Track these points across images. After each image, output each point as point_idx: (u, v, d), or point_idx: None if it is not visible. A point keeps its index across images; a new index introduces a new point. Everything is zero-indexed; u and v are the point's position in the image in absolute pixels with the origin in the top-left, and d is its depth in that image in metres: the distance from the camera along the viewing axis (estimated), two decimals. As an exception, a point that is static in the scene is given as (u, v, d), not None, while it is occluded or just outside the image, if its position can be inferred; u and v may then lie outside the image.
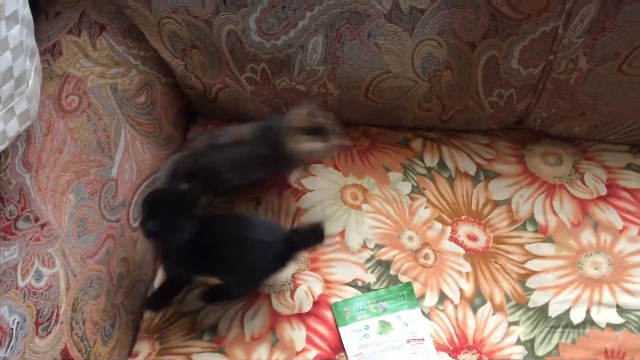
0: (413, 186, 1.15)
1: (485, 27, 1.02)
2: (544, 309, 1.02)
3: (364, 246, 1.07)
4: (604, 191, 1.14)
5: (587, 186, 1.14)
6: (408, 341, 0.97)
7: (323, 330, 0.99)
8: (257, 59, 1.08)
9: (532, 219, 1.11)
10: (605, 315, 1.01)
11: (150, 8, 1.04)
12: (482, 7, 1.00)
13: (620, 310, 1.01)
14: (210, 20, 1.04)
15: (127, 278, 0.97)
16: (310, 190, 1.14)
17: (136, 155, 1.03)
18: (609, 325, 1.00)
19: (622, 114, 1.11)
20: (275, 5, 1.02)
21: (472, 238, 1.10)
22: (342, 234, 1.08)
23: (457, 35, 1.04)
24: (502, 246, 1.09)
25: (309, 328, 0.99)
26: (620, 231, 1.09)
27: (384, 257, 1.06)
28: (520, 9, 0.99)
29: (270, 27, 1.04)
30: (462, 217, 1.12)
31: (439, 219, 1.11)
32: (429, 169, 1.17)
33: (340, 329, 0.98)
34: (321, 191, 1.14)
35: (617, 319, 1.00)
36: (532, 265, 1.06)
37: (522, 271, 1.06)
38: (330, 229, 1.08)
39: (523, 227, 1.10)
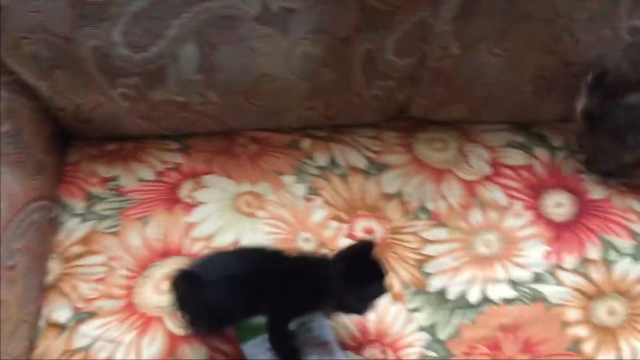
0: (307, 187, 1.14)
1: (357, 22, 1.02)
2: (442, 292, 1.04)
3: (258, 254, 1.06)
4: (488, 171, 1.17)
5: (472, 168, 1.18)
6: (313, 347, 0.96)
7: (226, 347, 0.96)
8: (128, 73, 1.03)
9: (423, 207, 1.13)
10: (499, 291, 1.04)
11: (3, 29, 0.96)
12: (352, 3, 0.99)
13: (513, 284, 1.05)
14: (71, 36, 0.98)
15: (7, 322, 0.90)
16: (202, 203, 1.11)
17: (5, 188, 0.96)
18: (504, 300, 1.03)
19: (496, 95, 1.15)
20: (139, 16, 0.97)
21: (369, 232, 1.10)
22: (236, 244, 1.06)
23: (330, 32, 1.03)
24: (399, 236, 1.10)
25: (210, 347, 0.96)
26: (506, 208, 1.13)
27: (282, 264, 1.05)
28: (390, 2, 1.00)
29: (138, 39, 0.99)
30: (359, 213, 1.12)
31: (336, 218, 1.11)
32: (321, 168, 1.16)
33: (242, 345, 0.96)
34: (213, 202, 1.11)
35: (511, 293, 1.04)
36: (428, 250, 1.08)
37: (420, 257, 1.08)
38: (224, 239, 1.06)
39: (416, 216, 1.12)
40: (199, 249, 1.05)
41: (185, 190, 1.11)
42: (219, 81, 1.06)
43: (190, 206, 1.10)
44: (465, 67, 1.10)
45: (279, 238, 1.07)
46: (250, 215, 1.09)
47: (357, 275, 0.86)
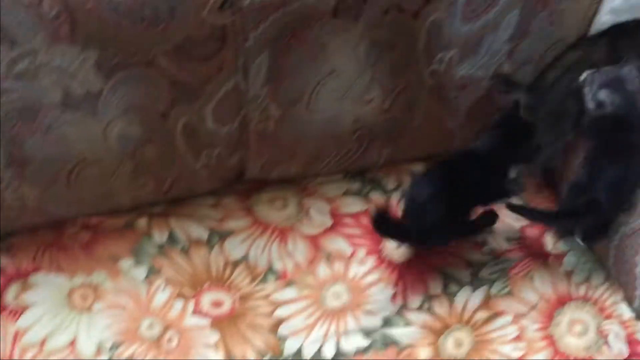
0: (148, 268, 1.09)
1: (170, 96, 1.02)
2: (298, 353, 1.03)
3: (100, 350, 0.99)
4: (329, 222, 1.19)
5: (314, 221, 1.18)
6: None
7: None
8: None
9: (271, 269, 1.12)
10: (353, 342, 1.04)
11: None
12: (160, 79, 0.98)
13: (365, 332, 1.05)
14: None
15: None
16: (31, 305, 1.02)
17: None
18: (358, 350, 1.03)
19: (325, 147, 1.18)
20: None
21: (217, 304, 1.07)
22: (72, 344, 0.99)
23: (145, 109, 1.02)
24: (249, 303, 1.08)
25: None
26: (350, 256, 1.15)
27: (123, 357, 0.98)
28: (198, 73, 1.00)
29: None
30: (205, 286, 1.09)
31: (180, 295, 1.07)
32: (160, 247, 1.12)
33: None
34: (44, 302, 1.03)
35: (364, 342, 1.04)
36: (280, 312, 1.07)
37: (273, 321, 1.06)
38: (58, 342, 0.98)
39: (265, 279, 1.11)
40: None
41: (10, 295, 1.03)
42: (32, 173, 1.01)
43: (18, 311, 1.01)
44: (288, 125, 1.12)
45: (121, 328, 1.01)
46: (87, 309, 1.03)
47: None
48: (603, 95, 0.95)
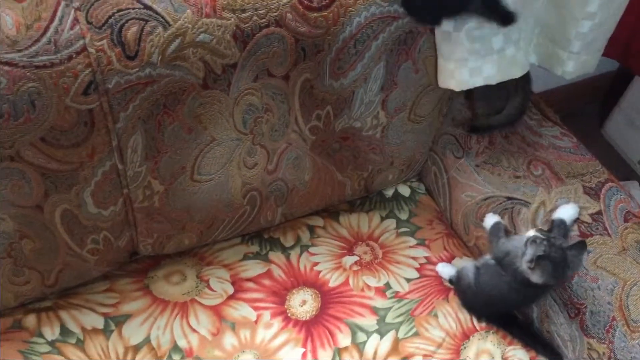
0: (41, 369, 1.03)
1: (43, 187, 0.97)
2: None
3: None
4: (231, 289, 1.17)
5: (215, 291, 1.16)
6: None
7: None
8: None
9: (175, 347, 1.08)
10: (268, 411, 1.03)
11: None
12: (28, 172, 0.94)
13: (278, 398, 1.04)
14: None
15: None
16: None
17: None
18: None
19: (217, 214, 1.16)
20: None
21: (121, 396, 1.03)
22: None
23: (16, 204, 0.96)
24: (154, 388, 1.04)
25: None
26: (256, 321, 1.13)
27: None
28: (69, 160, 0.96)
29: None
30: (105, 378, 1.04)
31: (78, 392, 1.01)
32: (52, 343, 1.06)
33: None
34: None
35: (278, 410, 1.03)
36: (191, 394, 1.04)
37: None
38: None
39: (170, 359, 1.07)
40: None
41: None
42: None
43: None
44: (175, 198, 1.10)
45: None
46: None
47: None
48: (540, 271, 1.01)
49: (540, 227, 1.12)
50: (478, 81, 1.12)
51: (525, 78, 1.19)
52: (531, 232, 1.06)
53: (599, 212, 1.12)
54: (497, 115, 1.25)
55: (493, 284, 1.12)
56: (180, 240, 1.18)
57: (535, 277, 1.02)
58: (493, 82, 1.13)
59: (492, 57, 1.10)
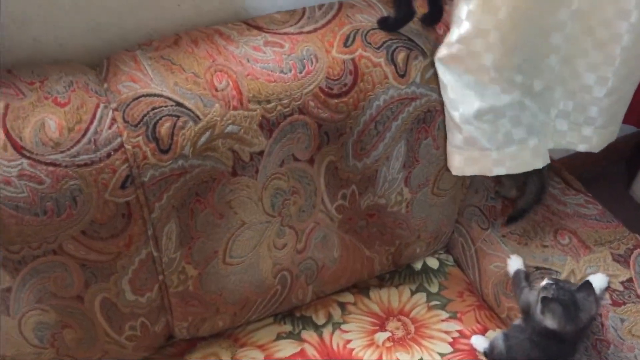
0: None
1: (83, 278, 1.01)
2: None
3: None
4: (265, 371, 1.19)
5: (250, 372, 1.18)
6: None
7: None
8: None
9: None
10: None
11: None
12: (69, 264, 0.99)
13: None
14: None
15: None
16: None
17: None
18: None
19: (249, 295, 1.19)
20: None
21: None
22: None
23: (58, 296, 1.01)
24: None
25: None
26: (291, 402, 1.14)
27: None
28: (108, 250, 1.01)
29: None
30: None
31: None
32: None
33: None
34: None
35: None
36: None
37: None
38: None
39: None
40: None
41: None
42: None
43: None
44: (208, 281, 1.13)
45: None
46: None
47: None
48: (551, 314, 1.05)
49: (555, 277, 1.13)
50: (501, 171, 1.16)
51: None
52: (544, 281, 1.08)
53: (630, 280, 1.11)
54: (523, 197, 1.27)
55: (521, 347, 1.12)
56: (214, 322, 1.20)
57: (549, 322, 1.04)
58: (515, 172, 1.17)
59: (511, 149, 1.15)
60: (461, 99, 1.10)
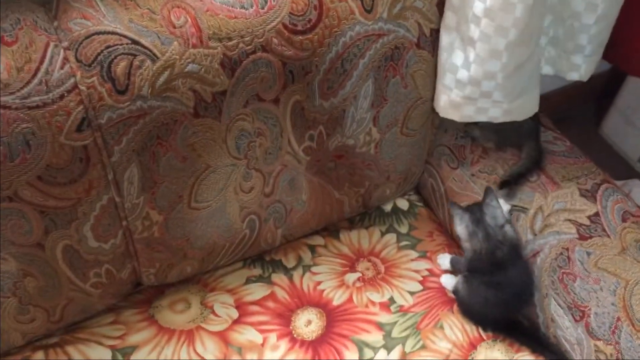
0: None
1: (42, 225, 0.98)
2: None
3: None
4: (236, 314, 1.17)
5: (220, 316, 1.17)
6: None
7: None
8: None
9: (183, 375, 1.09)
10: None
11: None
12: (26, 211, 0.95)
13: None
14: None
15: None
16: None
17: None
18: None
19: (216, 239, 1.17)
20: None
21: None
22: None
23: (17, 243, 0.97)
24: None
25: None
26: (262, 344, 1.13)
27: None
28: (67, 196, 0.98)
29: None
30: (115, 410, 1.04)
31: None
32: (59, 379, 1.07)
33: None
34: None
35: None
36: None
37: None
38: None
39: (177, 387, 1.08)
40: None
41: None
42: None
43: None
44: (174, 227, 1.11)
45: None
46: None
47: None
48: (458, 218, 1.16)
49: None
50: (482, 118, 1.14)
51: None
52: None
53: (597, 214, 1.12)
54: (520, 162, 1.24)
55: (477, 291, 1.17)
56: (182, 268, 1.19)
57: (458, 229, 1.16)
58: (497, 121, 1.15)
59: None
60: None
